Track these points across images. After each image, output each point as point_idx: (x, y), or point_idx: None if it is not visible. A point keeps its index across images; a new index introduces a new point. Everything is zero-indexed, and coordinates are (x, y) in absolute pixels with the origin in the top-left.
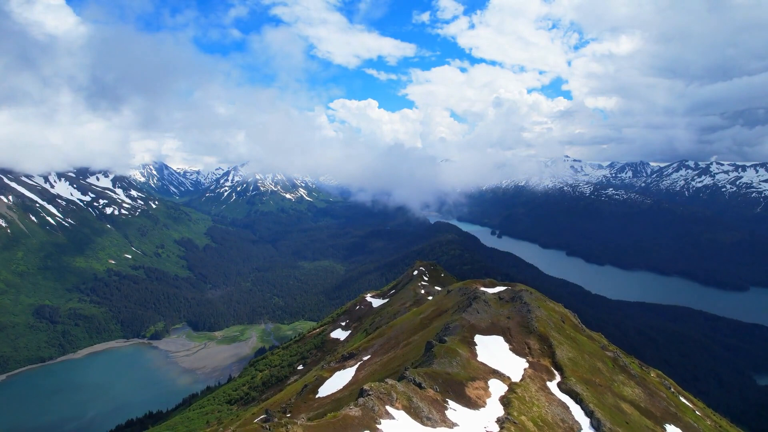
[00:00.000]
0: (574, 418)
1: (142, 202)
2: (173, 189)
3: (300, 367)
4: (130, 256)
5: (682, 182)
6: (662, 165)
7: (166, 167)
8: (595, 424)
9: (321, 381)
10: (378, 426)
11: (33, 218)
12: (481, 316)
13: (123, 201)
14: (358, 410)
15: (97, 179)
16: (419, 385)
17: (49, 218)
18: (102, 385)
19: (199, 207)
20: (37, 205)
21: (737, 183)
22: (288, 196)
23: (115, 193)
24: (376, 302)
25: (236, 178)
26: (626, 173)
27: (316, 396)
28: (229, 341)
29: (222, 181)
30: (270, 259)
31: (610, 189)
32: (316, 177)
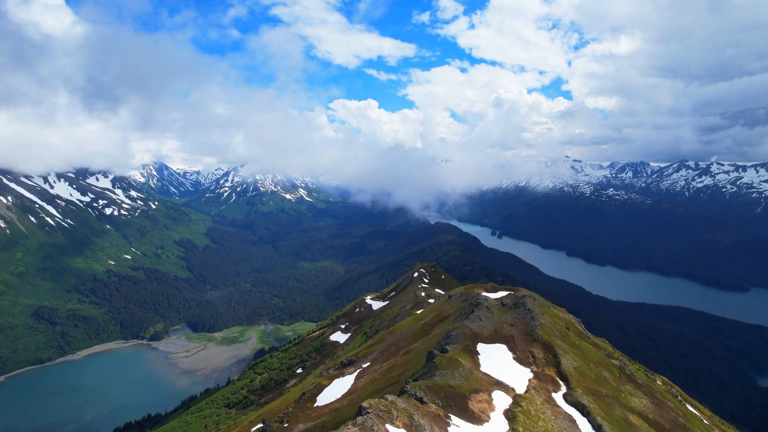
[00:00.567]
0: None
1: (142, 203)
2: (173, 189)
3: (299, 371)
4: (129, 257)
5: (683, 182)
6: (662, 165)
7: (166, 168)
8: None
9: (319, 389)
10: None
11: (32, 219)
12: (483, 323)
13: (123, 201)
14: (357, 430)
15: (97, 180)
16: (420, 400)
17: (48, 219)
18: (101, 387)
19: (198, 207)
20: (37, 205)
21: (738, 183)
22: (288, 196)
23: (114, 193)
24: (376, 304)
25: (236, 179)
26: (626, 173)
27: (315, 405)
28: (228, 342)
29: (222, 182)
30: (270, 259)
31: (611, 189)
32: (316, 177)
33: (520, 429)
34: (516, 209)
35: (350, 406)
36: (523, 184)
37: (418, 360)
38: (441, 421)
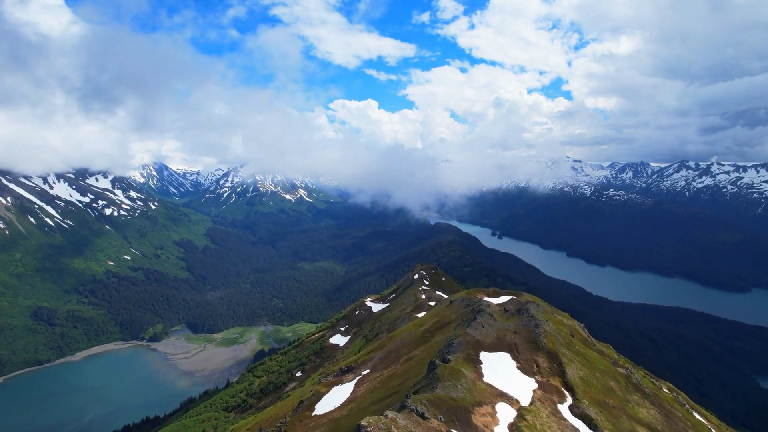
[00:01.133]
0: None
1: (142, 203)
2: (173, 190)
3: (298, 374)
4: (129, 258)
5: (683, 183)
6: (663, 165)
7: (166, 168)
8: None
9: (318, 397)
10: None
11: (31, 219)
12: (486, 330)
13: (122, 202)
14: None
15: (96, 180)
16: (422, 416)
17: (47, 219)
18: (100, 388)
19: (198, 208)
20: (36, 206)
21: (738, 183)
22: (288, 197)
23: (114, 194)
24: (376, 307)
25: (236, 179)
26: (627, 174)
27: (313, 414)
28: (228, 343)
29: (222, 182)
30: (270, 260)
31: (611, 190)
32: (315, 178)
33: None
34: (516, 210)
35: (349, 417)
36: (523, 185)
37: (418, 368)
38: None
